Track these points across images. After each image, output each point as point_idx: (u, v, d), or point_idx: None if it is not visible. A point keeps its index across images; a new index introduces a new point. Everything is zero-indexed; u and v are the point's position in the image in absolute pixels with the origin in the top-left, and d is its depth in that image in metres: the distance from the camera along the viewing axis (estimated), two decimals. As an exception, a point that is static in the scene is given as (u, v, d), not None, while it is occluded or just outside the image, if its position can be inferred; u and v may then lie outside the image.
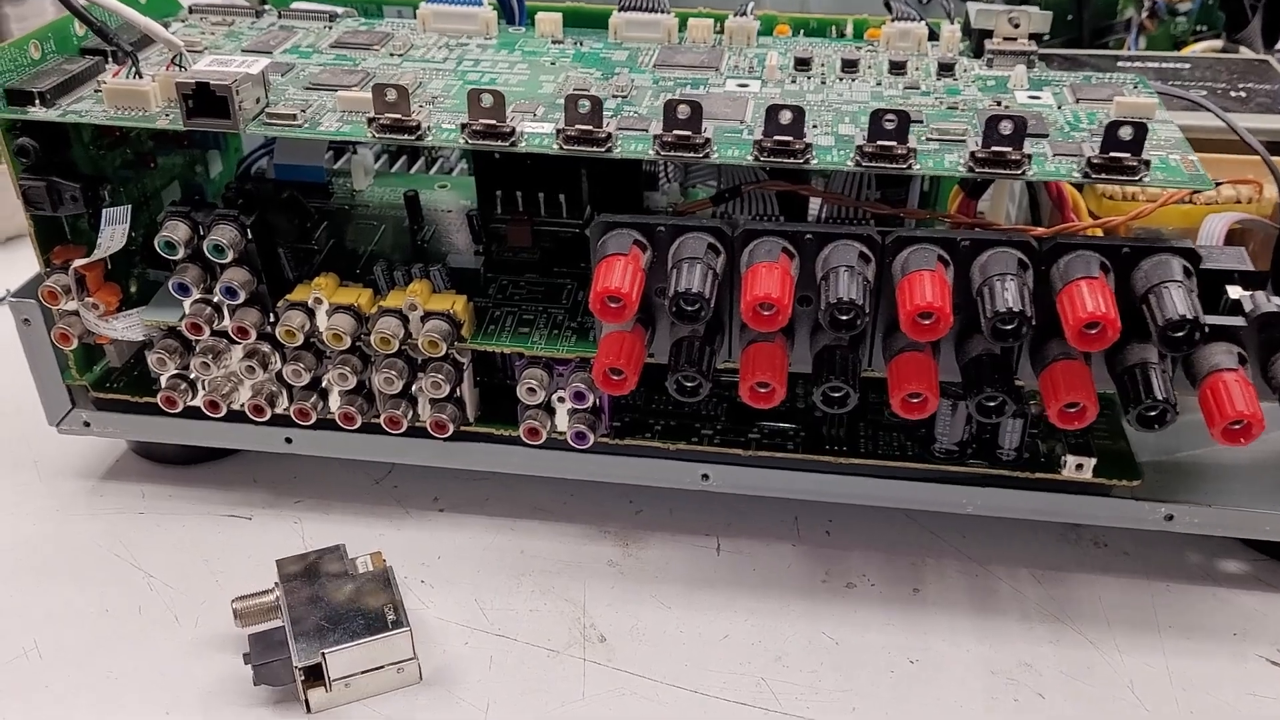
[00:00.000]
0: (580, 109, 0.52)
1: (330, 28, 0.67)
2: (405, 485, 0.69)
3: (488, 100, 0.52)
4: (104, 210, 0.59)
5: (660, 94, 0.59)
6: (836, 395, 0.53)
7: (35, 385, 0.65)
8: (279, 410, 0.63)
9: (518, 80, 0.61)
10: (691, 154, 0.52)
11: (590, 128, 0.52)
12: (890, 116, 0.50)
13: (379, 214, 0.72)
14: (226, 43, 0.65)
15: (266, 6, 0.70)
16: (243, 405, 0.63)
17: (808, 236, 0.53)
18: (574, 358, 0.60)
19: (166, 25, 0.65)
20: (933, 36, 0.65)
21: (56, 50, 0.61)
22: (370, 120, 0.54)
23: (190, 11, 0.69)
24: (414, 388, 0.61)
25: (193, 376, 0.63)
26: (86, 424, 0.66)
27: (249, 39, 0.65)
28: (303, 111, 0.56)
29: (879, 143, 0.51)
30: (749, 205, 0.62)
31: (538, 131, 0.54)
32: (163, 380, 0.63)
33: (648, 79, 0.61)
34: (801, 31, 0.71)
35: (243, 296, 0.59)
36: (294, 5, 0.72)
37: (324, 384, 0.62)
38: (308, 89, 0.59)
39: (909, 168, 0.51)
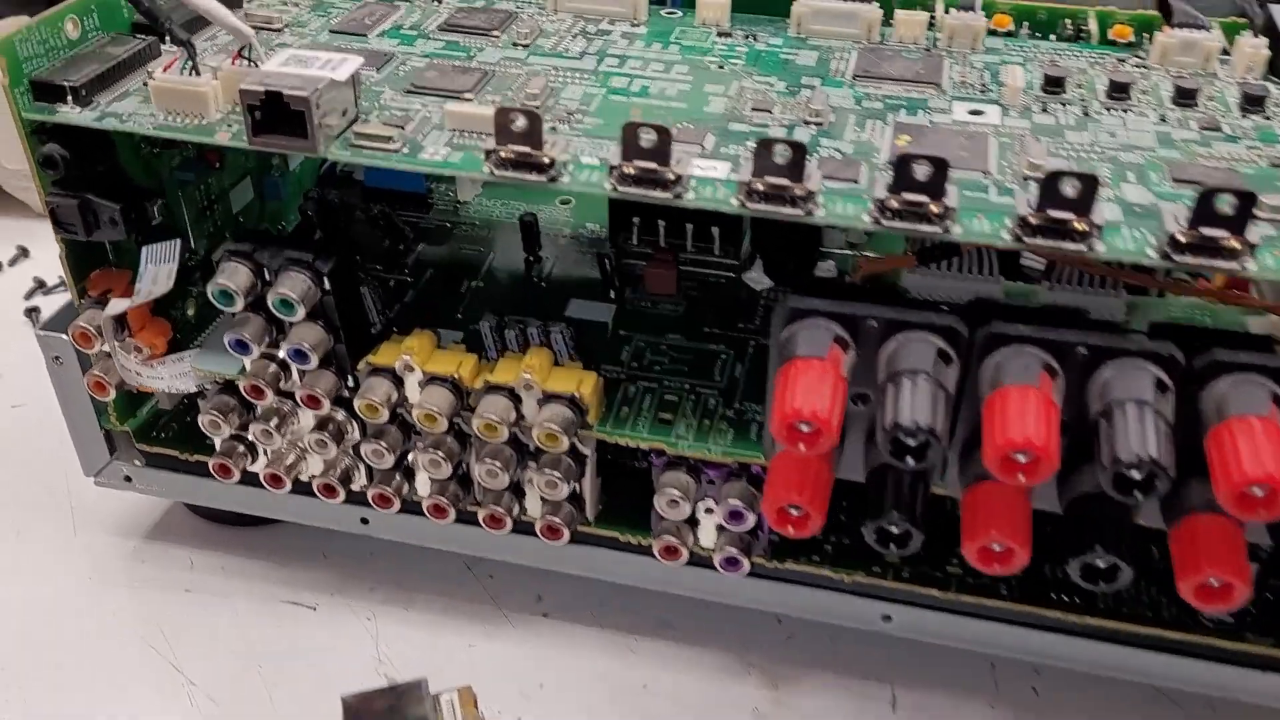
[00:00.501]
0: (777, 158, 0.38)
1: (440, 2, 0.54)
2: (502, 576, 0.56)
3: (649, 138, 0.38)
4: (144, 248, 0.46)
5: (866, 119, 0.44)
6: (1103, 569, 0.38)
7: (69, 431, 0.54)
8: (355, 488, 0.51)
9: (677, 91, 0.47)
10: (927, 226, 0.38)
11: (786, 182, 0.38)
12: (1229, 198, 0.35)
13: (487, 236, 0.58)
14: (311, 19, 0.52)
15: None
16: (310, 479, 0.51)
17: (1080, 350, 0.38)
18: (730, 462, 0.46)
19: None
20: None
21: (100, 27, 0.48)
22: (489, 153, 0.40)
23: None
24: (522, 478, 0.49)
25: (252, 439, 0.51)
26: (128, 479, 0.55)
27: (339, 17, 0.52)
28: (401, 129, 0.42)
29: (1202, 230, 0.36)
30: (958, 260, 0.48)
31: (710, 177, 0.40)
32: (217, 444, 0.52)
33: (847, 96, 0.46)
34: (1026, 24, 0.55)
35: (314, 361, 0.46)
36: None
37: (410, 461, 0.50)
38: (409, 92, 0.46)
39: (1242, 269, 0.36)
